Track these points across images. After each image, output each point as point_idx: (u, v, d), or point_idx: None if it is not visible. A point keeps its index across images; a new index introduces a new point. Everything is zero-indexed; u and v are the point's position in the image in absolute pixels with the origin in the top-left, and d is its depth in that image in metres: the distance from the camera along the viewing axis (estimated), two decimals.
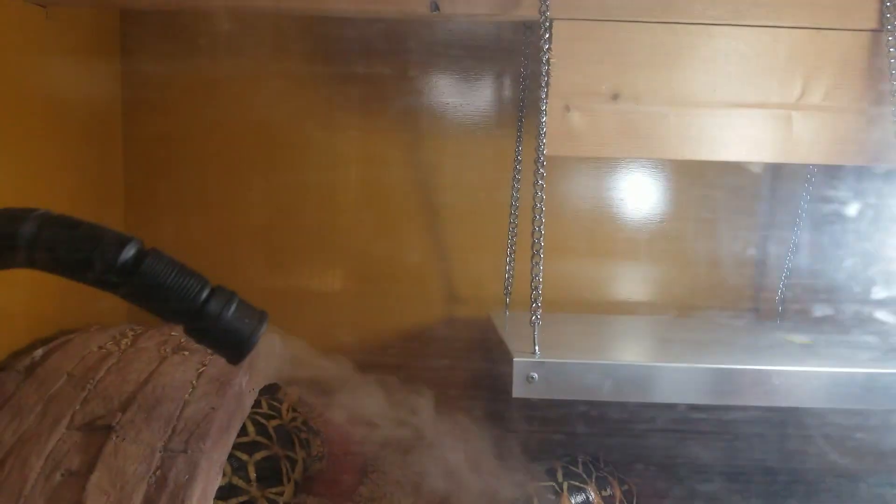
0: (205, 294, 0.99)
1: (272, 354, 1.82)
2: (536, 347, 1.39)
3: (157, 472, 1.27)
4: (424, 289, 2.14)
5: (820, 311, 1.98)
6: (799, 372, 1.37)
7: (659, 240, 2.11)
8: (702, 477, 2.08)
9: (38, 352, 1.55)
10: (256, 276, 2.16)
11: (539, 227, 1.43)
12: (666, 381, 1.33)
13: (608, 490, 1.54)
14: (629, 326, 1.87)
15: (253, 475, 1.56)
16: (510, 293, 1.96)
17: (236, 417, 1.46)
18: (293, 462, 1.69)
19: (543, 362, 1.34)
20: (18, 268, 0.97)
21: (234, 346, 1.03)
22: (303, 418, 1.85)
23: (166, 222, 2.15)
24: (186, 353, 1.58)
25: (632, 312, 2.10)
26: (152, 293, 0.95)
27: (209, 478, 1.30)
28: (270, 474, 1.60)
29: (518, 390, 1.34)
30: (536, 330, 1.40)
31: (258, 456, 1.60)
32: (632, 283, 2.12)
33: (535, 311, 1.41)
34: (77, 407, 1.38)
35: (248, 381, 1.55)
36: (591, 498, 1.50)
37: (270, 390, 2.04)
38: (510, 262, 1.95)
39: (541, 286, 1.43)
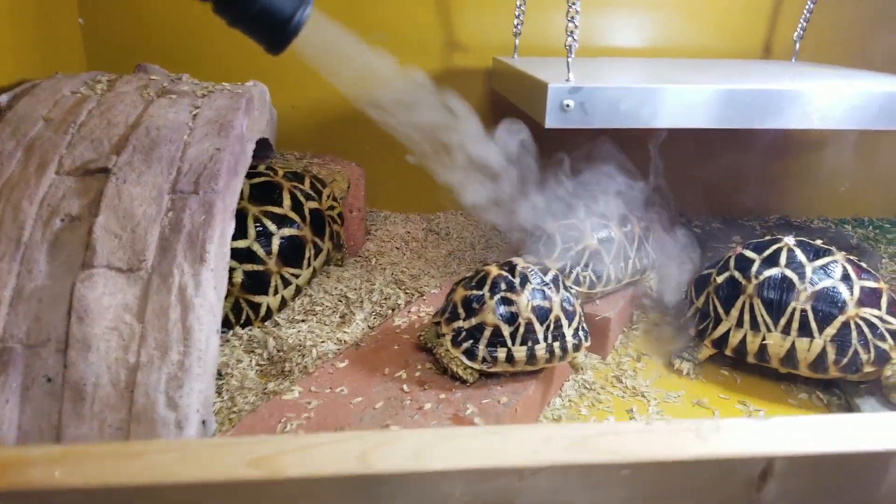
0: None
1: (265, 104, 1.67)
2: (570, 74, 1.27)
3: (170, 214, 1.17)
4: (423, 36, 1.96)
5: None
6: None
7: None
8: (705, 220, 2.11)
9: (3, 97, 1.37)
10: None
11: None
12: (713, 104, 1.25)
13: (628, 226, 1.52)
14: (649, 66, 1.74)
15: (275, 249, 1.47)
16: (520, 34, 1.79)
17: (241, 161, 1.35)
18: (318, 250, 1.60)
19: (580, 88, 1.23)
20: None
21: (275, 29, 0.87)
22: (340, 210, 1.73)
23: None
24: (173, 95, 1.42)
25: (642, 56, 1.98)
26: None
27: (225, 221, 1.21)
28: (293, 254, 1.51)
29: (552, 119, 1.24)
30: (572, 54, 1.27)
31: (286, 232, 1.50)
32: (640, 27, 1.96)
33: (570, 32, 1.27)
34: (63, 151, 1.24)
35: (248, 124, 1.42)
36: (612, 234, 1.47)
37: (262, 148, 1.92)
38: (521, 4, 1.76)
39: (577, 16, 1.28)
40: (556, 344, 1.19)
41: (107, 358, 1.01)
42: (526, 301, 1.18)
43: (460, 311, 1.20)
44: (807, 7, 1.82)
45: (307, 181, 1.63)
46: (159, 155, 1.24)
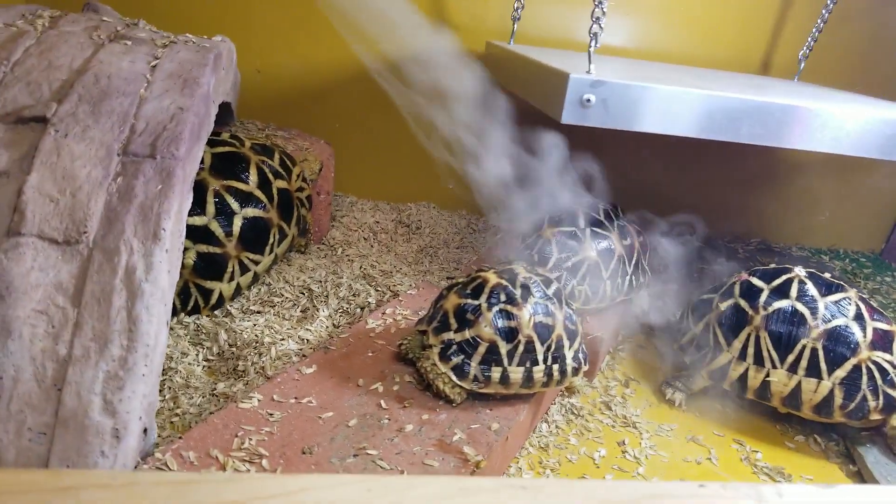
0: None
1: (232, 64, 1.48)
2: (592, 66, 1.13)
3: (119, 180, 0.98)
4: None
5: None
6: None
7: None
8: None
9: None
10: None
11: None
12: (752, 117, 1.13)
13: (628, 240, 1.40)
14: (665, 70, 1.62)
15: (236, 230, 1.27)
16: (519, 19, 1.65)
17: (205, 125, 1.16)
18: (283, 236, 1.41)
19: (604, 82, 1.09)
20: None
21: None
22: (309, 192, 1.54)
23: None
24: (128, 42, 1.22)
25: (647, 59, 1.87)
26: None
27: (183, 193, 1.03)
28: (256, 238, 1.32)
29: (570, 114, 1.11)
30: (596, 43, 1.14)
31: (250, 213, 1.30)
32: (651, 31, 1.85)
33: (596, 18, 1.13)
34: None
35: (214, 83, 1.23)
36: (613, 246, 1.35)
37: (222, 113, 1.72)
38: None
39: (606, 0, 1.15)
40: (556, 367, 1.06)
41: (31, 347, 0.82)
42: (528, 316, 1.04)
43: (452, 321, 1.05)
44: (816, 26, 1.74)
45: (277, 157, 1.44)
46: (109, 108, 1.04)
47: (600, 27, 1.14)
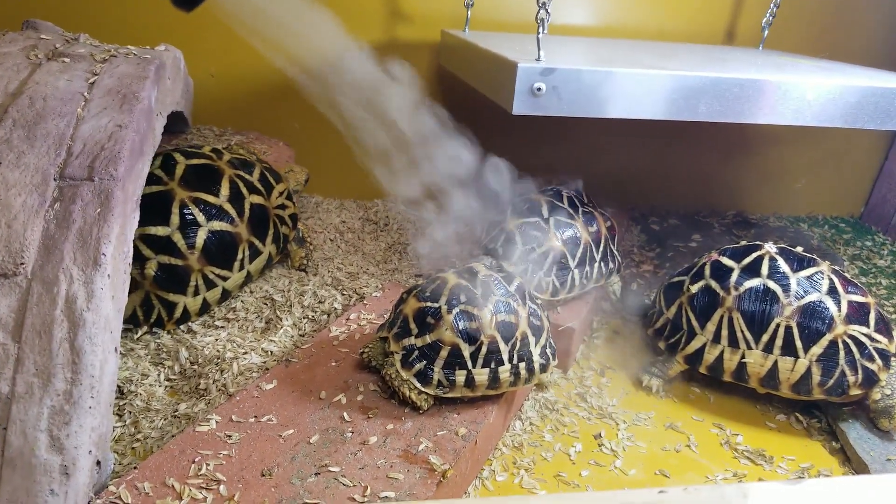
0: None
1: (179, 72, 1.44)
2: (541, 52, 1.10)
3: (56, 206, 0.95)
4: (363, 5, 1.74)
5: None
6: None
7: None
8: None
9: None
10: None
11: None
12: (710, 94, 1.10)
13: (594, 226, 1.37)
14: (610, 47, 1.59)
15: (200, 243, 1.24)
16: (472, 5, 1.61)
17: (148, 141, 1.13)
18: (256, 252, 1.36)
19: (554, 69, 1.06)
20: None
21: None
22: (293, 211, 1.49)
23: None
24: (67, 59, 1.18)
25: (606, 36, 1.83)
26: None
27: (126, 214, 1.00)
28: (222, 252, 1.28)
29: (521, 105, 1.07)
30: (543, 28, 1.10)
31: (216, 226, 1.27)
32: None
33: (543, 3, 1.10)
34: None
35: (157, 96, 1.19)
36: (578, 234, 1.32)
37: (176, 122, 1.68)
38: None
39: None
40: (522, 365, 1.04)
41: None
42: (489, 316, 1.01)
43: (412, 325, 1.02)
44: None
45: (257, 172, 1.40)
46: (45, 131, 1.01)
47: (547, 12, 1.10)
